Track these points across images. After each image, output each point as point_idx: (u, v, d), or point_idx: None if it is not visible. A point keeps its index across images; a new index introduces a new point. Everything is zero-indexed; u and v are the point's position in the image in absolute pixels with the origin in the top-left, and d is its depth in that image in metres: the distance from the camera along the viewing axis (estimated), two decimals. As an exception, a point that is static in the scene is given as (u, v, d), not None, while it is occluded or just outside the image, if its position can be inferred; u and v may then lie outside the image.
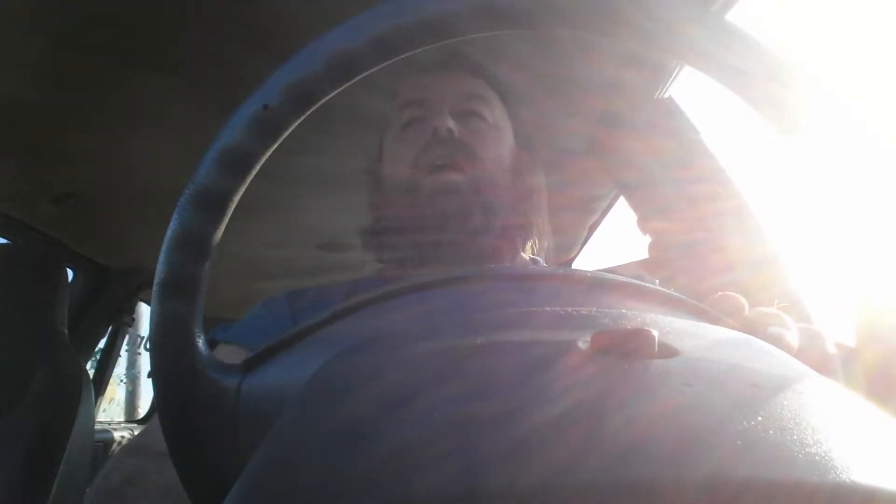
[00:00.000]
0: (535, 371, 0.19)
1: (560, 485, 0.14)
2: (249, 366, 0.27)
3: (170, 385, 0.26)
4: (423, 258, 0.60)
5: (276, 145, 0.25)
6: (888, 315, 0.29)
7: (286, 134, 0.24)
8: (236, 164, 0.24)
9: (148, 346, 0.26)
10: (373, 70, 0.24)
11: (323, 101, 0.24)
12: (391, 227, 0.64)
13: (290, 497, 0.16)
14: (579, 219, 1.45)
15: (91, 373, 1.73)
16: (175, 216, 0.25)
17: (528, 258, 0.68)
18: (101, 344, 1.88)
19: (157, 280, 0.25)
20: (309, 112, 0.24)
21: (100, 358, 1.91)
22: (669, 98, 0.97)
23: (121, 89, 0.94)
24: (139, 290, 1.83)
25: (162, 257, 0.25)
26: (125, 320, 1.87)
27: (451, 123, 0.60)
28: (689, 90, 0.98)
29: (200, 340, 0.26)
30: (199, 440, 0.26)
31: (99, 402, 1.89)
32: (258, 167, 0.25)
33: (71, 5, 0.76)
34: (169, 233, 0.25)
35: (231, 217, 0.25)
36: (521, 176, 0.65)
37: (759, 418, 0.16)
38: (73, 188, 1.27)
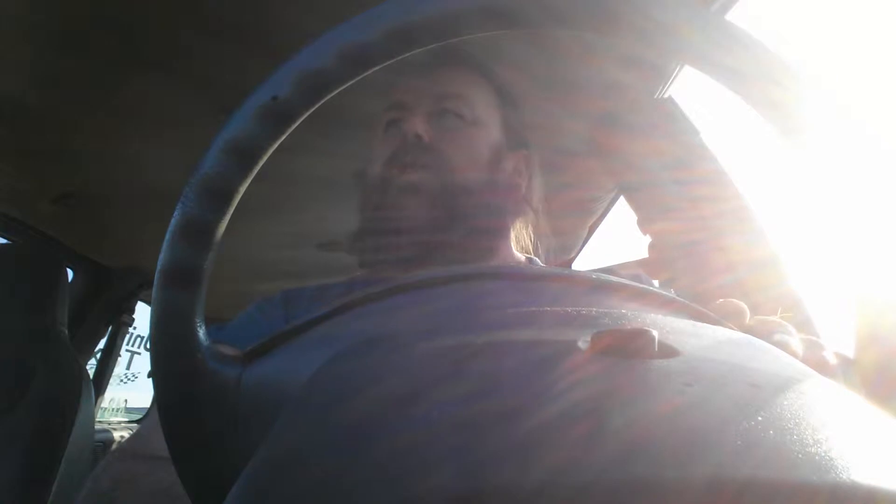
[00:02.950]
0: (537, 371, 0.19)
1: (561, 484, 0.14)
2: (250, 357, 0.27)
3: (170, 375, 0.25)
4: (399, 260, 0.60)
5: (283, 137, 0.24)
6: (888, 316, 0.29)
7: (294, 126, 0.24)
8: (243, 154, 0.24)
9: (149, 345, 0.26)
10: (383, 65, 0.24)
11: (332, 94, 0.24)
12: (368, 229, 0.64)
13: (292, 497, 0.16)
14: (579, 219, 1.45)
15: (91, 373, 1.73)
16: (179, 205, 0.24)
17: (523, 258, 0.68)
18: (102, 344, 1.88)
19: (159, 268, 0.25)
20: (317, 105, 0.24)
21: (100, 358, 1.91)
22: (669, 98, 0.97)
23: (121, 89, 0.94)
24: (139, 290, 1.83)
25: (165, 246, 0.24)
26: (125, 320, 1.87)
27: (420, 128, 0.61)
28: (689, 90, 0.98)
29: (201, 331, 0.25)
30: (198, 432, 0.25)
31: (98, 401, 1.89)
32: (265, 159, 0.25)
33: (71, 5, 0.76)
34: (173, 221, 0.24)
35: (231, 217, 0.25)
36: (503, 171, 0.65)
37: (760, 418, 0.16)
38: (73, 188, 1.27)
